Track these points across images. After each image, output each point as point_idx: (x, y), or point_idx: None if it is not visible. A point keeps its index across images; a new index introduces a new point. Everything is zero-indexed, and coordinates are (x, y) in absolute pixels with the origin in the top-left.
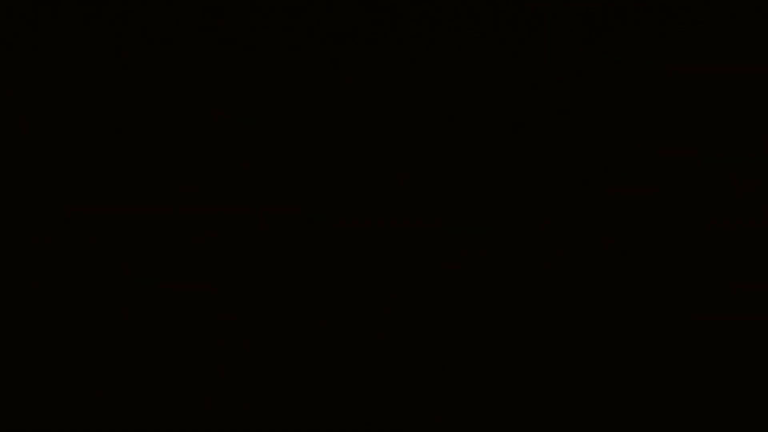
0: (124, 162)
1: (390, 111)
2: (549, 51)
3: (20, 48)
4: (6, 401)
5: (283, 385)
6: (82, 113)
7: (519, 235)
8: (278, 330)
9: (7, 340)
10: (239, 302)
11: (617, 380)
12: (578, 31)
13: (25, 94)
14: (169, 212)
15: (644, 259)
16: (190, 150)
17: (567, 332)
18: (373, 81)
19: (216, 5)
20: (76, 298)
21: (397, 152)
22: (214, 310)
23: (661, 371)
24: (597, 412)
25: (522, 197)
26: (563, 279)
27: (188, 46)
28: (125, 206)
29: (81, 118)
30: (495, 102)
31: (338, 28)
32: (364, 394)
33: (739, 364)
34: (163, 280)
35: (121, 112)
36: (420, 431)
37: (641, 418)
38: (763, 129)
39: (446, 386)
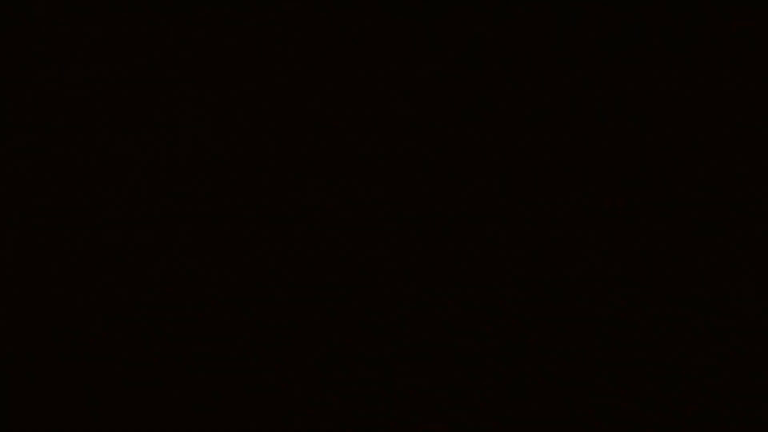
0: (124, 162)
1: (390, 111)
2: (549, 51)
3: (20, 48)
4: (6, 401)
5: (283, 385)
6: (82, 113)
7: (519, 235)
8: (278, 330)
9: (7, 340)
10: (239, 302)
11: (617, 380)
12: (578, 31)
13: (25, 94)
14: (169, 212)
15: (644, 259)
16: (190, 150)
17: (567, 332)
18: (373, 81)
19: (216, 5)
20: (76, 298)
21: (397, 152)
22: (214, 310)
23: (661, 371)
24: (597, 412)
25: (522, 197)
26: (563, 279)
27: (188, 46)
28: (125, 206)
29: (81, 118)
30: (495, 102)
31: (338, 28)
32: (364, 394)
33: (739, 364)
34: (163, 280)
35: (121, 112)
36: (420, 431)
37: (641, 418)
38: (763, 129)
39: (446, 386)
